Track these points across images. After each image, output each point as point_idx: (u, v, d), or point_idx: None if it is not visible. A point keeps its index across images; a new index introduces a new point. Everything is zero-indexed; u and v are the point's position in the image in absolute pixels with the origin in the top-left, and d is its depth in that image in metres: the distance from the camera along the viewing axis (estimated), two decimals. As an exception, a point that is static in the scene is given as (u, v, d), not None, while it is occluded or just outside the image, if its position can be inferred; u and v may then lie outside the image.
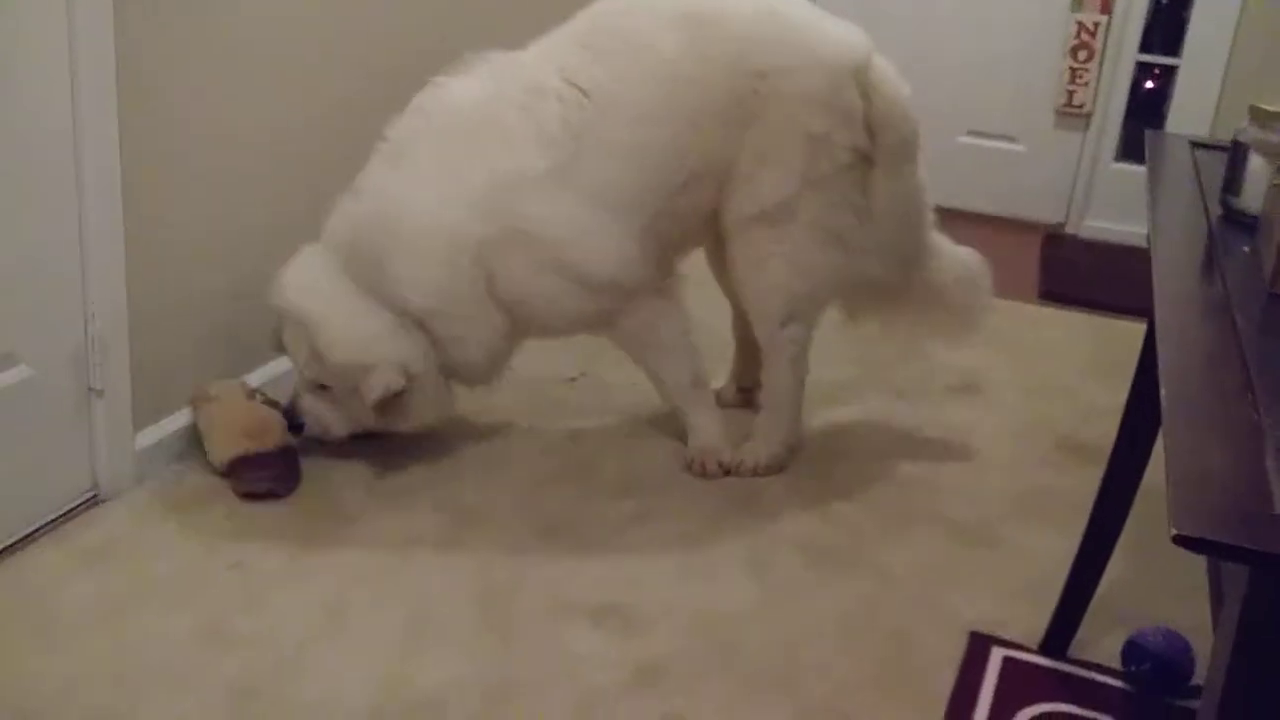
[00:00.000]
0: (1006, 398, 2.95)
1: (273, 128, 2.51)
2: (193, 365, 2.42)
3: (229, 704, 1.79)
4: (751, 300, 2.50)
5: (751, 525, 2.33)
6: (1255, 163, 1.57)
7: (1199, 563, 1.98)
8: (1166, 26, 3.97)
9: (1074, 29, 3.98)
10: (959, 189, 4.15)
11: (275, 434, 2.34)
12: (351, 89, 2.66)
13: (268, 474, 2.31)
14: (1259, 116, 1.59)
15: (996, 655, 1.98)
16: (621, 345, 2.51)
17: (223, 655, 1.88)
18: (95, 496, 2.26)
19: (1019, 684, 1.92)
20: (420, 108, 2.34)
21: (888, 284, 2.52)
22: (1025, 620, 2.05)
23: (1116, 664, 1.95)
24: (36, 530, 2.14)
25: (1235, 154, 1.61)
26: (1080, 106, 4.05)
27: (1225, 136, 1.75)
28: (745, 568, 2.20)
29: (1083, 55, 3.99)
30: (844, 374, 2.97)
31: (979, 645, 2.00)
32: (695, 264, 2.66)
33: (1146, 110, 4.02)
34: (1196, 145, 1.95)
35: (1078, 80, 4.02)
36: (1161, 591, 2.13)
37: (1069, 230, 4.17)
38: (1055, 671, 1.96)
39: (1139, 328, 1.92)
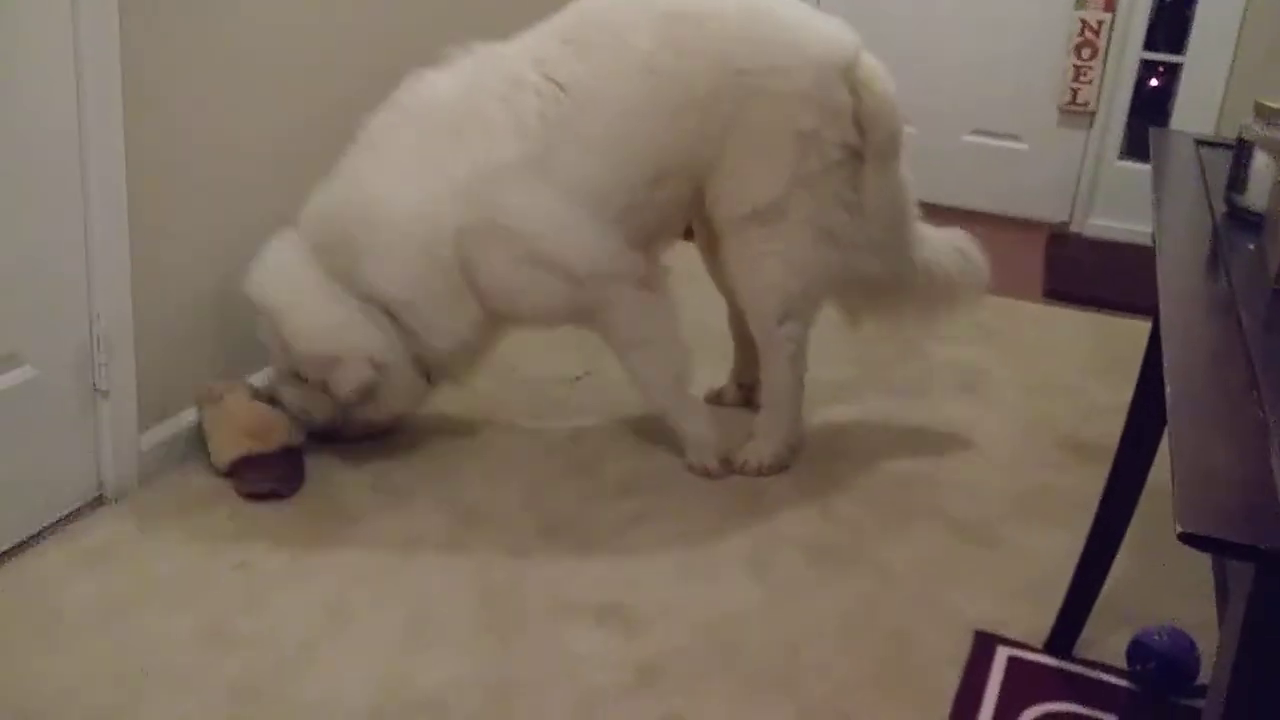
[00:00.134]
0: (1009, 396, 2.94)
1: (276, 130, 2.51)
2: (198, 366, 2.42)
3: (231, 704, 1.79)
4: (747, 299, 2.50)
5: (752, 524, 2.32)
6: (1260, 160, 1.57)
7: (1203, 561, 1.98)
8: (1170, 23, 3.96)
9: (1078, 26, 3.98)
10: (963, 188, 4.16)
11: (278, 434, 2.34)
12: (354, 91, 2.65)
13: (270, 474, 2.31)
14: (1264, 113, 1.59)
15: (1001, 654, 1.98)
16: (607, 341, 2.49)
17: (225, 655, 1.88)
18: (100, 497, 2.26)
19: (1024, 683, 1.92)
20: (399, 99, 2.34)
21: (883, 279, 2.52)
22: (1027, 619, 2.05)
23: (1122, 663, 1.94)
24: (41, 531, 2.14)
25: (1240, 151, 1.61)
26: (1084, 104, 4.04)
27: (1230, 134, 1.75)
28: (746, 567, 2.19)
29: (1086, 53, 3.99)
30: (845, 373, 2.96)
31: (984, 645, 2.00)
32: (693, 261, 2.67)
33: (1150, 108, 4.01)
34: (1201, 142, 1.95)
35: (1081, 78, 4.02)
36: (1166, 590, 2.13)
37: (1073, 229, 4.16)
38: (1060, 671, 1.95)
39: (1143, 326, 1.92)
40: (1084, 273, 3.82)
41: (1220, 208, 1.62)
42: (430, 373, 2.45)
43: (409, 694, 1.82)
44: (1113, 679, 1.94)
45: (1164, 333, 1.24)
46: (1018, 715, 1.85)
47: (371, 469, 2.44)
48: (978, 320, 3.31)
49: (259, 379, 2.53)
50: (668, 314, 2.45)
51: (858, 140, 2.35)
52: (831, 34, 2.36)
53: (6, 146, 1.96)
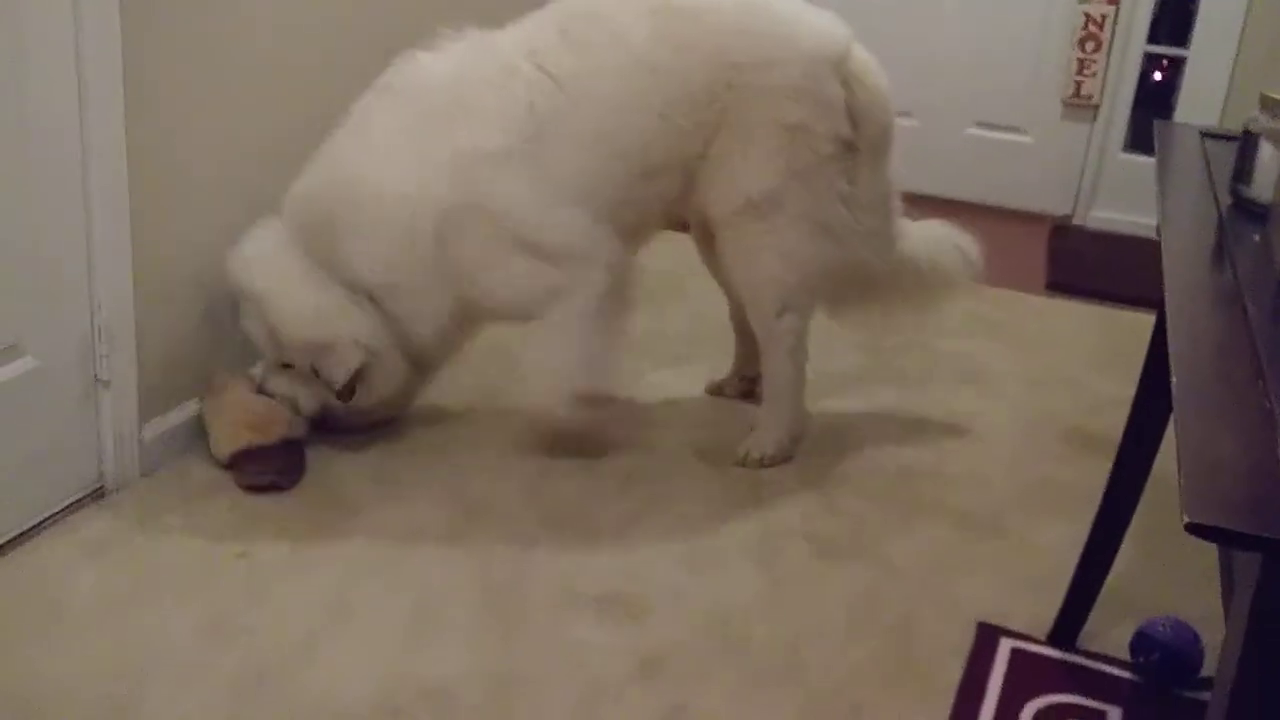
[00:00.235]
0: (1012, 388, 2.94)
1: (276, 123, 2.50)
2: (199, 357, 2.42)
3: (234, 696, 1.78)
4: (745, 292, 2.50)
5: (756, 516, 2.32)
6: (1266, 151, 1.56)
7: (1207, 553, 1.98)
8: (1174, 16, 3.95)
9: (1081, 20, 3.97)
10: (966, 180, 4.16)
11: (279, 427, 2.34)
12: (354, 84, 2.63)
13: (270, 467, 2.30)
14: (1270, 105, 1.58)
15: (1005, 646, 1.98)
16: (542, 318, 2.35)
17: (227, 647, 1.88)
18: (101, 488, 2.26)
19: (1027, 675, 1.92)
20: (388, 83, 2.33)
21: (873, 271, 2.51)
22: (1031, 611, 2.05)
23: (1125, 655, 1.94)
24: (42, 522, 2.14)
25: (1245, 143, 1.60)
26: (1088, 97, 4.04)
27: (1234, 127, 1.74)
28: (750, 558, 2.19)
29: (1090, 46, 3.98)
30: (849, 365, 2.96)
31: (987, 636, 2.00)
32: (691, 256, 2.66)
33: (1154, 101, 4.01)
34: (1206, 135, 1.94)
35: (1085, 71, 4.01)
36: (1170, 582, 2.13)
37: (1076, 221, 4.16)
38: (1063, 662, 1.95)
39: (1146, 319, 1.92)
40: (1087, 265, 3.81)
41: (1225, 199, 1.62)
42: (417, 360, 2.44)
43: (412, 686, 1.82)
44: (1116, 671, 1.94)
45: (1170, 324, 1.24)
46: (1021, 707, 1.85)
47: (373, 460, 2.44)
48: (981, 313, 3.32)
49: (260, 371, 2.53)
50: (616, 314, 2.40)
51: (850, 133, 2.35)
52: (823, 27, 2.37)
53: (9, 139, 1.96)
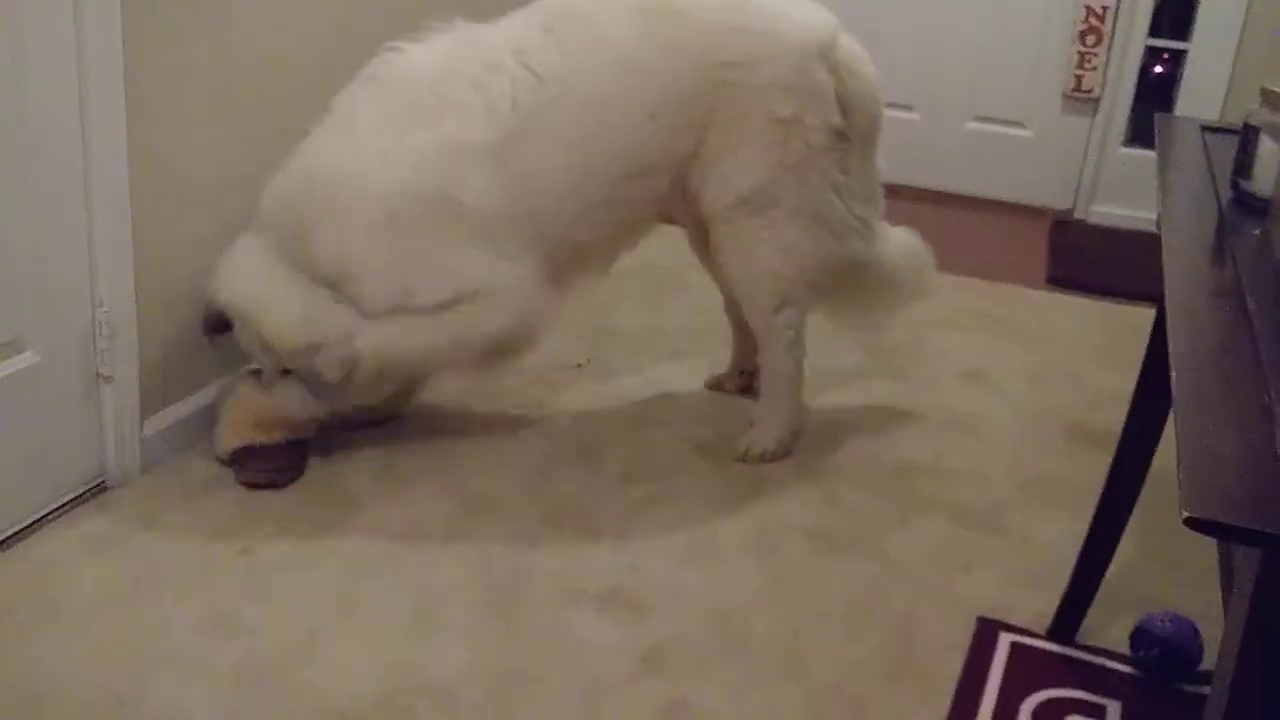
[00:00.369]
0: (1012, 383, 2.94)
1: (277, 120, 2.49)
2: (200, 352, 2.42)
3: (236, 690, 1.79)
4: (742, 288, 2.49)
5: (756, 511, 2.32)
6: (1266, 145, 1.56)
7: (1206, 548, 1.98)
8: (1175, 10, 3.94)
9: (1082, 13, 3.96)
10: (967, 174, 4.16)
11: (285, 428, 2.33)
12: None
13: (269, 465, 2.30)
14: (1271, 99, 1.58)
15: (1004, 641, 1.98)
16: (444, 302, 2.28)
17: (228, 643, 1.88)
18: (103, 483, 2.26)
19: (1027, 669, 1.92)
20: (371, 74, 2.30)
21: (861, 265, 2.51)
22: (1032, 606, 2.05)
23: (1125, 649, 1.95)
24: (43, 517, 2.15)
25: (1246, 137, 1.60)
26: (1089, 91, 4.03)
27: (1235, 121, 1.74)
28: (750, 553, 2.19)
29: (1091, 40, 3.97)
30: (849, 360, 2.96)
31: (987, 631, 2.00)
32: (689, 251, 2.66)
33: (1155, 95, 4.00)
34: (1207, 128, 1.94)
35: (1086, 65, 4.00)
36: (1169, 577, 2.13)
37: (1077, 216, 4.15)
38: (1063, 657, 1.96)
39: (1147, 313, 1.91)
40: (1088, 260, 3.81)
41: (1226, 193, 1.62)
42: None
43: (413, 682, 1.83)
44: (1116, 665, 1.94)
45: (1170, 319, 1.24)
46: (1020, 701, 1.85)
47: (374, 458, 2.44)
48: (981, 308, 3.32)
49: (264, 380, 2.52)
50: (492, 357, 2.36)
51: (841, 122, 2.35)
52: (810, 19, 2.36)
53: (11, 136, 1.95)
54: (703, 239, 2.53)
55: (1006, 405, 2.82)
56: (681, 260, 2.74)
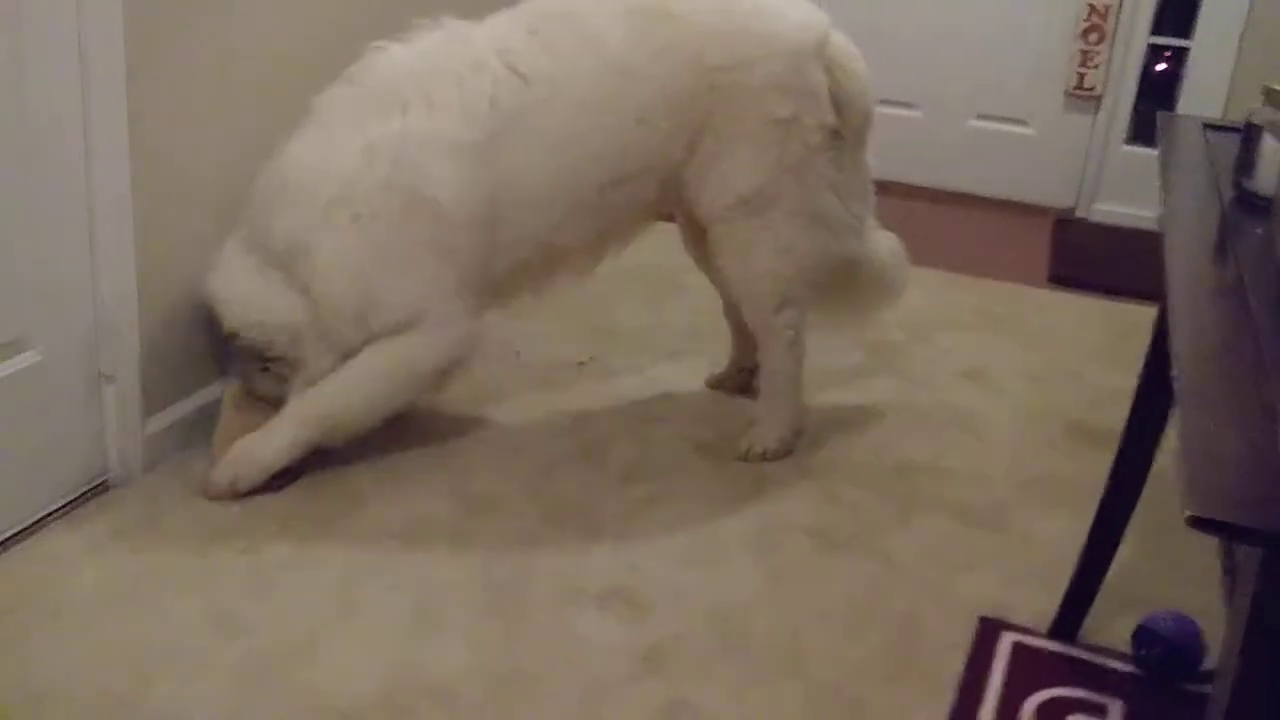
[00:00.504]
0: (1014, 382, 2.93)
1: (278, 120, 2.49)
2: (202, 351, 2.42)
3: (236, 691, 1.79)
4: (741, 288, 2.49)
5: (757, 510, 2.32)
6: (1269, 144, 1.56)
7: (1208, 547, 1.98)
8: (1178, 8, 3.94)
9: (1085, 11, 3.95)
10: (969, 172, 4.16)
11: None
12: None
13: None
14: (1273, 97, 1.58)
15: (1006, 640, 1.98)
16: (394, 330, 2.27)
17: (230, 642, 1.89)
18: (105, 482, 2.26)
19: (1028, 669, 1.92)
20: (351, 74, 2.29)
21: (854, 263, 2.51)
22: (1034, 605, 2.05)
23: (1127, 649, 1.94)
24: (46, 516, 2.15)
25: (1248, 135, 1.60)
26: (1091, 89, 4.02)
27: (1237, 119, 1.74)
28: (751, 552, 2.19)
29: (1093, 37, 3.97)
30: (850, 359, 2.96)
31: (988, 630, 2.00)
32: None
33: (1157, 93, 3.99)
34: (1209, 127, 1.94)
35: (1088, 63, 4.00)
36: (1172, 576, 2.13)
37: (1079, 214, 4.14)
38: (1065, 656, 1.95)
39: (1149, 312, 1.91)
40: (1090, 258, 3.80)
41: (1228, 192, 1.62)
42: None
43: (414, 682, 1.83)
44: (1118, 664, 1.94)
45: (1172, 317, 1.23)
46: (1022, 700, 1.85)
47: (374, 457, 2.44)
48: (983, 306, 3.32)
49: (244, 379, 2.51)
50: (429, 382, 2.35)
51: (836, 121, 2.35)
52: (801, 17, 2.36)
53: (13, 136, 1.95)
54: (697, 239, 2.53)
55: (1007, 404, 2.82)
56: (681, 260, 2.74)
